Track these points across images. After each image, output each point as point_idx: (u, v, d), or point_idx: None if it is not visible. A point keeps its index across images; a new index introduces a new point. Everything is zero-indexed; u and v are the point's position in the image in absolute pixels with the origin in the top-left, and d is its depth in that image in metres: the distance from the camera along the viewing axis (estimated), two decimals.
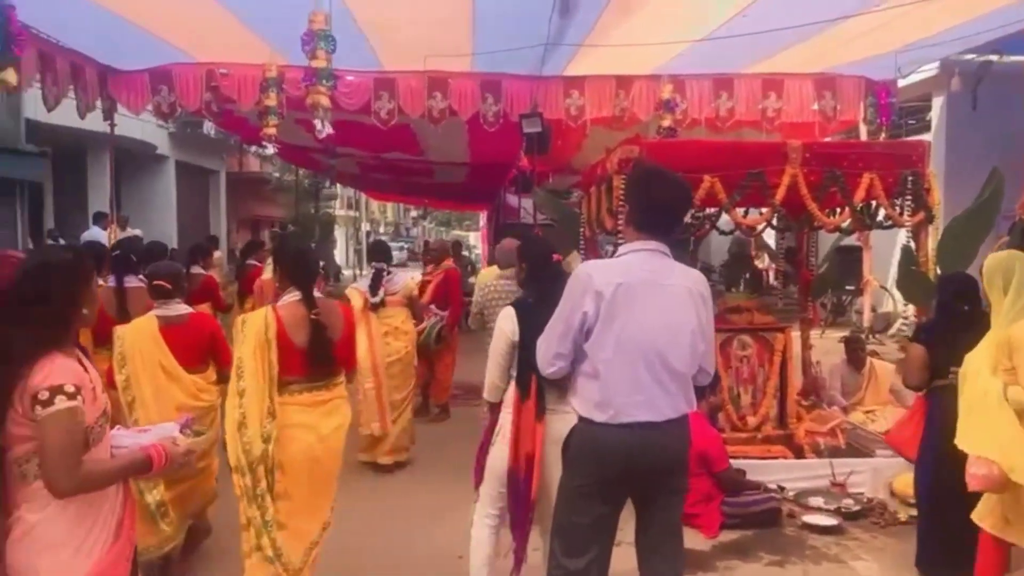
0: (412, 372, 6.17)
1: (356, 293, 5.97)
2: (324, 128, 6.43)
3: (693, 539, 4.31)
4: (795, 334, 6.03)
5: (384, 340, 5.89)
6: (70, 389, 2.09)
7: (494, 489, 3.44)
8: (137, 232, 11.84)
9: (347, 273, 32.24)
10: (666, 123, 7.28)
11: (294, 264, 3.46)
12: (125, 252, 4.77)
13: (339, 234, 37.71)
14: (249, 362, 3.22)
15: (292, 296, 3.38)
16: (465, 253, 18.09)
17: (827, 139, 7.97)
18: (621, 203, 4.98)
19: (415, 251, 38.36)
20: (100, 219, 12.53)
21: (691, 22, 6.14)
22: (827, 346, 9.08)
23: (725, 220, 5.53)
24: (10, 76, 5.33)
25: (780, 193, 5.01)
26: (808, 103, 7.75)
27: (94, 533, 2.20)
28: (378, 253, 6.28)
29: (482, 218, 28.49)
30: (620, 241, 5.11)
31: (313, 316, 3.32)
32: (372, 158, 12.73)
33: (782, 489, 5.10)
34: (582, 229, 6.60)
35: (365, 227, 43.66)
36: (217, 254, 10.15)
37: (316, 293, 3.46)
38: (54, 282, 2.19)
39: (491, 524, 3.49)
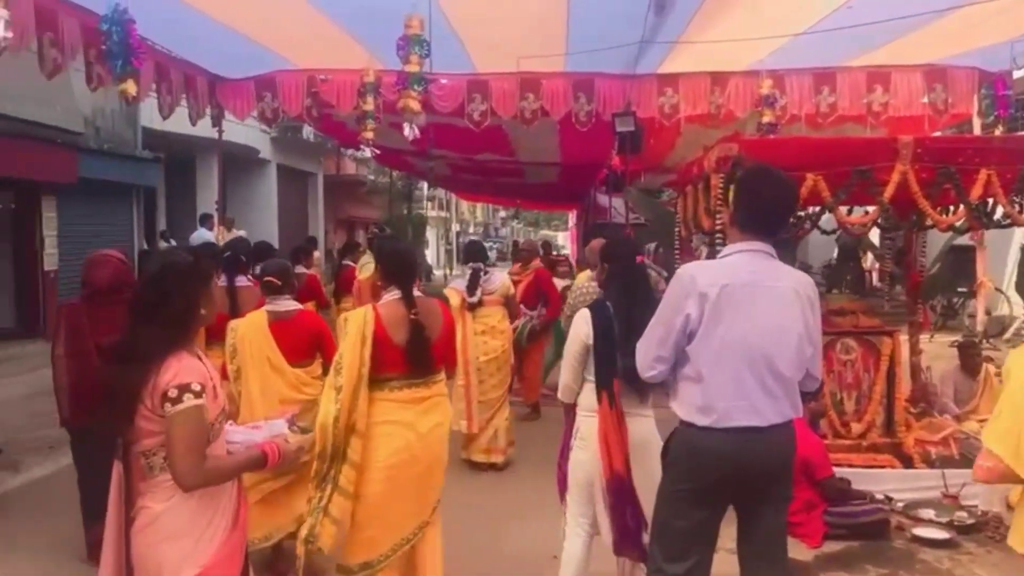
0: (508, 371, 6.22)
1: (454, 292, 6.06)
2: (412, 131, 6.57)
3: (795, 549, 4.17)
4: (903, 338, 5.77)
5: (481, 339, 5.96)
6: (197, 387, 2.20)
7: (581, 496, 3.40)
8: (242, 233, 12.35)
9: (438, 273, 32.79)
10: (766, 119, 7.08)
11: (394, 264, 3.51)
12: (235, 253, 4.98)
13: (430, 234, 38.37)
14: (347, 358, 3.28)
15: (392, 295, 3.43)
16: (554, 253, 18.06)
17: (937, 134, 7.59)
18: (719, 202, 4.87)
19: (504, 251, 38.66)
20: (206, 221, 13.14)
21: (791, 16, 5.95)
22: (937, 351, 8.64)
23: (826, 219, 5.34)
24: (130, 87, 5.64)
25: (889, 191, 4.79)
26: (917, 96, 7.40)
27: (214, 524, 2.30)
28: (475, 253, 6.35)
29: (571, 218, 28.47)
30: (718, 241, 5.02)
31: (412, 315, 3.36)
32: (464, 159, 12.88)
33: (890, 500, 4.89)
34: (677, 229, 6.49)
35: (455, 227, 44.28)
36: (316, 254, 10.49)
37: (416, 292, 3.50)
38: (175, 285, 2.30)
39: (583, 534, 3.44)
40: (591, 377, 3.32)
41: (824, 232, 5.82)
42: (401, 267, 3.49)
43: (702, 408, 2.61)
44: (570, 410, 3.46)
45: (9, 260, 10.91)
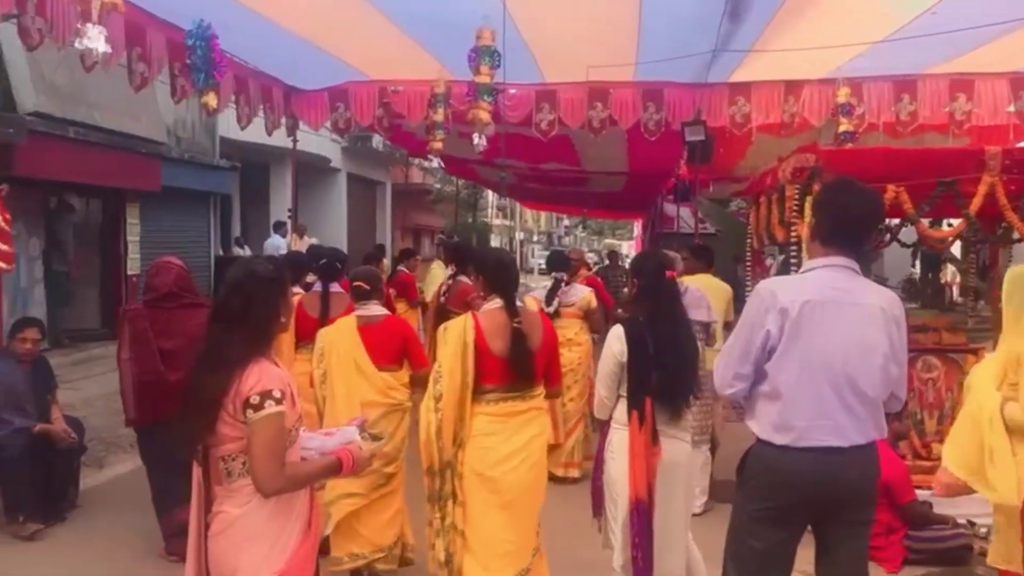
0: (586, 385, 6.12)
1: (532, 301, 6.03)
2: (481, 142, 6.62)
3: (874, 573, 4.00)
4: (988, 355, 5.52)
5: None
6: (277, 394, 2.23)
7: (616, 508, 3.34)
8: (314, 240, 12.66)
9: None
10: (843, 128, 6.90)
11: (498, 272, 3.46)
12: (332, 261, 5.08)
13: (495, 242, 38.57)
14: (447, 367, 3.24)
15: (494, 303, 3.37)
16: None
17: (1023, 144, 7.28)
18: (794, 213, 4.77)
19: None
20: (279, 228, 13.52)
21: (872, 22, 5.79)
22: None
23: (906, 231, 5.17)
24: (212, 100, 5.84)
25: (976, 203, 4.61)
26: (1003, 105, 7.10)
27: (287, 529, 2.33)
28: (557, 263, 6.26)
29: (636, 227, 28.24)
30: (792, 253, 4.91)
31: (516, 324, 3.28)
32: (530, 168, 12.92)
33: (972, 525, 4.68)
34: (749, 240, 6.38)
35: (519, 235, 44.41)
36: (384, 261, 10.68)
37: (518, 302, 3.43)
38: (258, 292, 2.34)
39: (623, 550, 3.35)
40: (628, 396, 3.28)
41: (904, 245, 5.63)
42: (504, 276, 3.44)
43: (780, 426, 2.55)
44: (603, 425, 3.42)
45: (97, 264, 11.39)
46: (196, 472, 2.36)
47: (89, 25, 3.39)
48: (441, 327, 3.49)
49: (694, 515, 5.18)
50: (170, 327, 4.19)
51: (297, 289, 4.92)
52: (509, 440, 3.27)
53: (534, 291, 6.35)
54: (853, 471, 2.55)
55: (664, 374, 3.19)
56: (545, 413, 3.49)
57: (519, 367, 3.28)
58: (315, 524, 2.46)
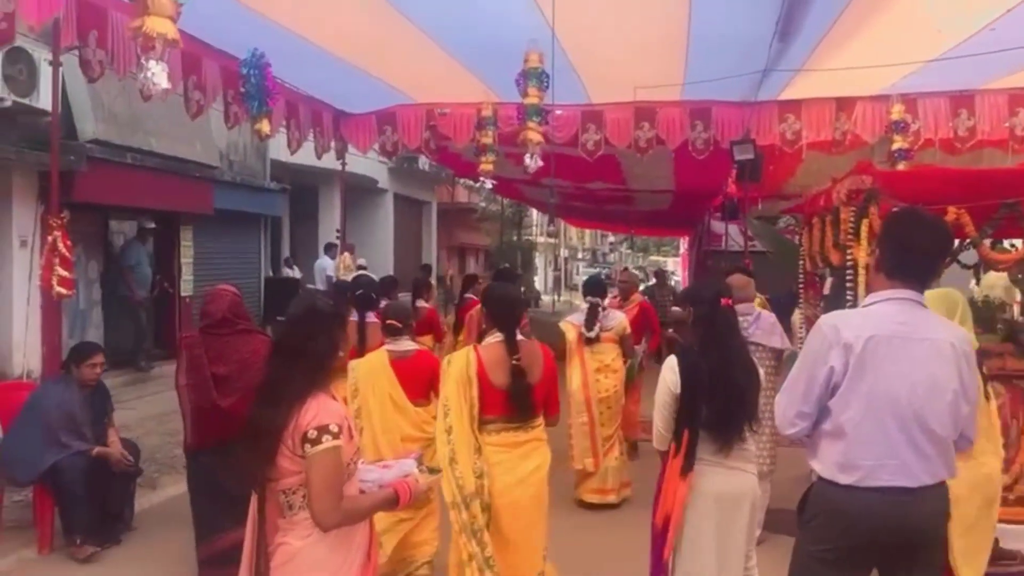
0: (619, 410, 6.06)
1: (571, 327, 5.99)
2: (534, 162, 6.62)
3: None
4: None
5: (594, 377, 5.83)
6: (335, 429, 2.24)
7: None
8: (362, 262, 12.77)
9: (546, 299, 32.84)
10: (897, 145, 6.74)
11: (499, 308, 3.54)
12: (368, 291, 5.13)
13: (539, 260, 38.57)
14: (454, 400, 3.33)
15: (495, 337, 3.45)
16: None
17: None
18: (850, 236, 4.66)
19: (611, 277, 38.32)
20: (330, 250, 13.69)
21: (925, 41, 5.66)
22: None
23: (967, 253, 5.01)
24: (265, 126, 5.98)
25: None
26: None
27: (348, 560, 2.34)
28: (594, 288, 6.23)
29: (682, 244, 27.99)
30: (848, 277, 4.79)
31: (515, 361, 3.37)
32: (575, 187, 12.91)
33: None
34: (801, 262, 6.25)
35: (563, 253, 44.33)
36: (432, 282, 10.73)
37: (519, 336, 3.50)
38: (320, 328, 2.37)
39: None
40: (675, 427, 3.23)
41: (964, 266, 5.46)
42: (506, 311, 3.51)
43: (845, 466, 2.46)
44: (665, 457, 3.35)
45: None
46: (253, 505, 2.37)
47: (151, 62, 3.46)
48: (446, 359, 3.57)
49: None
50: (223, 353, 4.26)
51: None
52: (512, 471, 3.36)
53: (571, 316, 6.29)
54: (923, 513, 2.45)
55: (714, 405, 3.13)
56: (545, 444, 3.54)
57: (518, 401, 3.38)
58: (374, 556, 2.47)
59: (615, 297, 7.49)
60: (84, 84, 8.37)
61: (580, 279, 40.27)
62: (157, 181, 10.21)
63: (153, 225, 10.55)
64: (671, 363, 3.27)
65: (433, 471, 2.63)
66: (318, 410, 2.25)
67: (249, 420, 2.33)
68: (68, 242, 5.20)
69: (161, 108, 8.58)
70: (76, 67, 5.06)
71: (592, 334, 5.84)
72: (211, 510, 4.20)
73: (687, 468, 3.13)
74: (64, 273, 5.14)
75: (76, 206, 7.53)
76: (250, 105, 5.97)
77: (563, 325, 6.15)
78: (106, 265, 10.39)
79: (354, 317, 4.95)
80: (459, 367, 3.37)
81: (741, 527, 3.21)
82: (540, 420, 3.52)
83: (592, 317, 5.89)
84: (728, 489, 3.19)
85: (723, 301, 3.30)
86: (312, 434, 2.21)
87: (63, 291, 5.16)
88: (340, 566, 2.31)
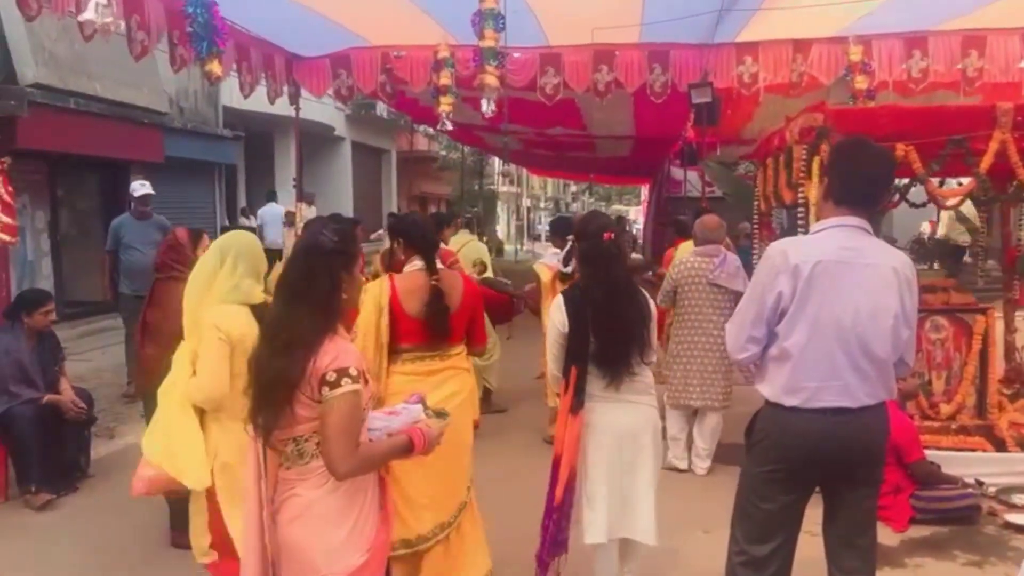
0: None
1: (544, 268, 5.96)
2: (489, 107, 6.53)
3: (880, 532, 3.98)
4: (997, 315, 5.49)
5: None
6: (354, 372, 2.11)
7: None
8: (313, 210, 12.56)
9: (508, 248, 32.84)
10: (860, 86, 6.79)
11: (415, 234, 3.46)
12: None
13: (501, 210, 38.44)
14: (363, 329, 3.27)
15: (414, 265, 3.41)
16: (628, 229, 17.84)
17: None
18: (802, 175, 4.71)
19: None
20: (272, 196, 13.52)
21: None
22: None
23: (915, 191, 5.10)
24: (215, 67, 5.78)
25: (987, 161, 4.53)
26: (1014, 61, 6.98)
27: (363, 514, 2.21)
28: (565, 229, 6.26)
29: (644, 192, 28.09)
30: (799, 215, 4.86)
31: (433, 281, 3.32)
32: (536, 134, 12.82)
33: (981, 484, 4.69)
34: (756, 203, 6.31)
35: (526, 202, 44.22)
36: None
37: (440, 265, 3.47)
38: (318, 267, 2.20)
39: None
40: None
41: (913, 205, 5.56)
42: (422, 237, 3.45)
43: (790, 388, 2.53)
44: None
45: (101, 238, 11.38)
46: (254, 451, 2.22)
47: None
48: (363, 288, 3.44)
49: (700, 476, 5.28)
50: (159, 299, 4.15)
51: None
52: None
53: (543, 258, 6.28)
54: (862, 431, 2.54)
55: (602, 338, 3.15)
56: (466, 372, 3.50)
57: (434, 325, 3.32)
58: (388, 511, 2.35)
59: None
60: (23, 25, 8.03)
61: (543, 228, 40.32)
62: (104, 127, 9.90)
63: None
64: (558, 302, 3.27)
65: (440, 414, 2.44)
66: (336, 352, 2.11)
67: (259, 367, 2.16)
68: (10, 187, 5.05)
69: (105, 50, 8.26)
70: (13, 7, 4.83)
71: (569, 269, 5.87)
72: None
73: (577, 405, 3.14)
74: (7, 220, 5.00)
75: (20, 153, 7.29)
76: (199, 46, 5.75)
77: (537, 267, 6.14)
78: (53, 214, 10.10)
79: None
80: (372, 295, 3.32)
81: (645, 458, 3.24)
82: (460, 348, 3.46)
83: (570, 254, 5.92)
84: (625, 422, 3.21)
85: (606, 235, 3.26)
86: (331, 376, 2.07)
87: (6, 237, 5.03)
88: (358, 517, 2.19)
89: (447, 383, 3.38)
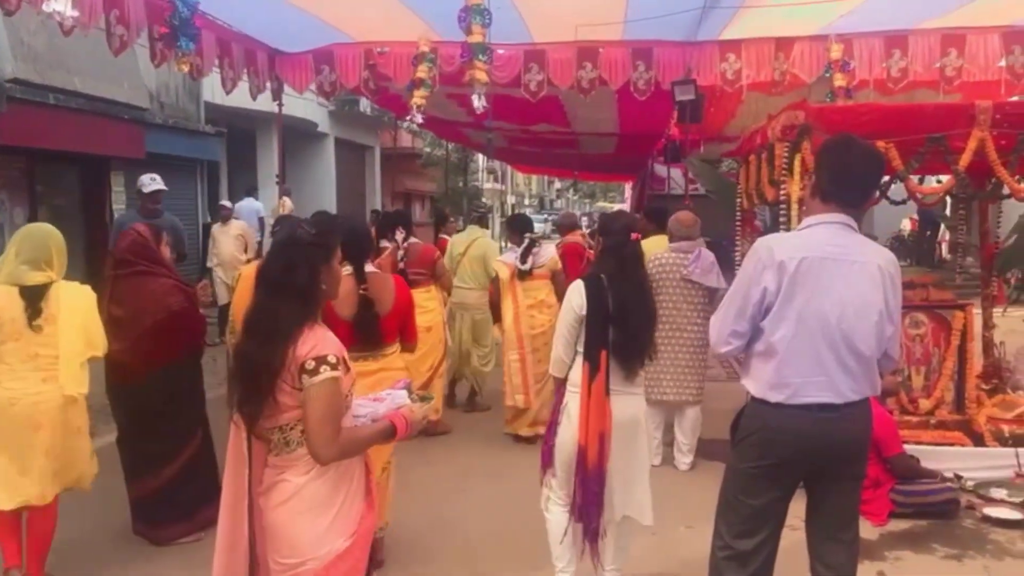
0: None
1: (502, 266, 6.01)
2: (481, 103, 6.52)
3: (860, 526, 4.08)
4: (976, 312, 5.56)
5: (528, 313, 5.89)
6: (333, 360, 2.18)
7: (564, 473, 3.36)
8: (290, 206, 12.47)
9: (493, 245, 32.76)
10: (839, 83, 6.84)
11: (348, 240, 3.41)
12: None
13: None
14: None
15: (345, 271, 3.41)
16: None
17: (1014, 99, 7.22)
18: (784, 172, 4.74)
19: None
20: (252, 192, 13.45)
21: None
22: (1011, 325, 8.27)
23: (895, 189, 5.15)
24: (186, 65, 5.75)
25: (965, 159, 4.59)
26: (994, 60, 7.03)
27: (349, 498, 2.29)
28: (523, 226, 6.28)
29: (628, 189, 28.14)
30: (781, 212, 4.89)
31: (362, 291, 3.43)
32: (520, 131, 12.81)
33: (959, 478, 4.75)
34: (739, 200, 6.35)
35: (511, 200, 44.22)
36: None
37: (370, 267, 3.57)
38: (298, 260, 2.27)
39: (564, 506, 3.38)
40: (583, 350, 3.29)
41: (893, 202, 5.61)
42: (354, 243, 3.48)
43: (775, 384, 2.55)
44: (561, 385, 3.43)
45: (81, 234, 11.28)
46: (237, 440, 2.29)
47: None
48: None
49: (683, 472, 5.31)
50: (120, 294, 4.11)
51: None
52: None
53: (502, 256, 6.31)
54: (847, 428, 2.57)
55: (622, 333, 3.23)
56: (401, 372, 3.58)
57: (363, 331, 3.45)
58: (372, 496, 2.41)
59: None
60: (1, 20, 7.93)
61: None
62: (84, 123, 9.81)
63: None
64: (577, 286, 3.32)
65: (425, 399, 2.54)
66: (315, 341, 2.19)
67: (242, 357, 2.23)
68: None
69: (84, 45, 8.19)
70: None
71: (526, 267, 5.88)
72: (136, 450, 4.23)
73: (608, 390, 3.20)
74: None
75: None
76: (180, 42, 5.72)
77: (495, 264, 6.17)
78: (32, 211, 9.98)
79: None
80: None
81: (641, 444, 3.40)
82: (394, 348, 3.63)
83: (526, 251, 5.94)
84: (630, 412, 3.33)
85: (633, 235, 3.37)
86: (310, 365, 2.15)
87: None
88: (341, 506, 2.26)
89: (381, 384, 3.40)
